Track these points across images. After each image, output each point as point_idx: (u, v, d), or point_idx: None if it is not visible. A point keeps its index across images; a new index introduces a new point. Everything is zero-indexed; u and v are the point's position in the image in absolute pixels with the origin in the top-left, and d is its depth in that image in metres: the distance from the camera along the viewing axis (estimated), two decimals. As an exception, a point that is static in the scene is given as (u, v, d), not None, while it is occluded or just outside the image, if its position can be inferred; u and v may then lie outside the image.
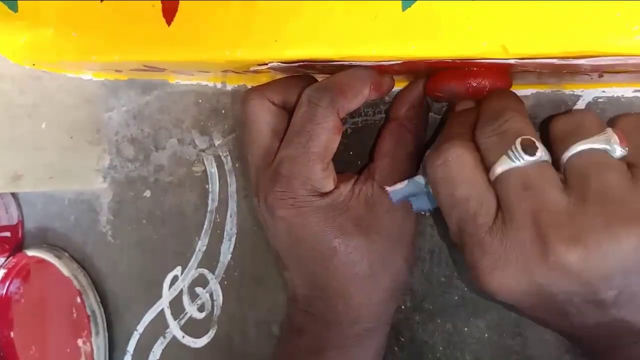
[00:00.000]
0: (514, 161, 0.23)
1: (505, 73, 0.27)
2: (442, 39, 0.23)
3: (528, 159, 0.23)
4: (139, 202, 0.43)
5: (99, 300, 0.46)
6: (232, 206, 0.39)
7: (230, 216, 0.39)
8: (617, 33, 0.20)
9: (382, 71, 0.29)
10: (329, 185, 0.28)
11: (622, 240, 0.21)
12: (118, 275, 0.45)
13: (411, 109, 0.30)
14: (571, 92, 0.28)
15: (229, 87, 0.38)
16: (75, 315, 0.47)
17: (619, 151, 0.23)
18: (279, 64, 0.29)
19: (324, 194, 0.28)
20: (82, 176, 0.43)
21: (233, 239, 0.40)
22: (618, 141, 0.23)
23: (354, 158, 0.35)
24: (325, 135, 0.27)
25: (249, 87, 0.38)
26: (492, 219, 0.23)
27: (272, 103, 0.30)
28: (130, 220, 0.44)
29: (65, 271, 0.47)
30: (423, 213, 0.33)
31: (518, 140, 0.23)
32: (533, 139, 0.23)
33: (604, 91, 0.27)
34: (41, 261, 0.48)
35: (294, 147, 0.27)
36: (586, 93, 0.28)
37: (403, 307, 0.34)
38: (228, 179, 0.39)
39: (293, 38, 0.27)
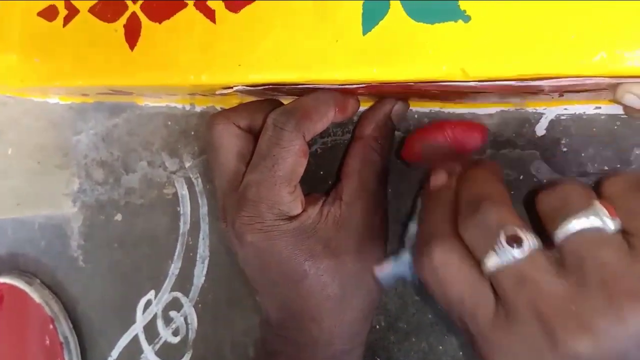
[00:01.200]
0: (500, 257, 0.22)
1: (478, 126, 0.28)
2: (403, 63, 0.23)
3: (515, 254, 0.21)
4: (110, 226, 0.42)
5: (71, 326, 0.45)
6: (204, 228, 0.39)
7: (203, 238, 0.39)
8: (572, 55, 0.20)
9: (348, 93, 0.29)
10: (297, 208, 0.28)
11: (628, 319, 0.19)
12: (91, 301, 0.44)
13: (377, 128, 0.30)
14: (534, 110, 0.28)
15: (198, 109, 0.38)
16: (48, 342, 0.46)
17: (610, 224, 0.21)
18: (245, 87, 0.29)
19: (291, 218, 0.28)
20: (50, 201, 0.43)
21: (206, 262, 0.39)
22: (607, 213, 0.21)
23: (325, 178, 0.35)
24: (291, 158, 0.27)
25: (218, 108, 0.37)
26: (492, 314, 0.22)
27: (238, 127, 0.29)
28: (102, 245, 0.43)
29: (36, 297, 0.46)
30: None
31: (502, 235, 0.22)
32: (517, 229, 0.22)
33: (566, 108, 0.28)
34: (13, 288, 0.47)
35: (260, 171, 0.27)
36: (549, 111, 0.28)
37: (378, 326, 0.34)
38: (199, 201, 0.39)
39: (256, 62, 0.26)
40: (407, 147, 0.30)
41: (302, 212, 0.28)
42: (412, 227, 0.29)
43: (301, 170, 0.28)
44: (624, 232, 0.22)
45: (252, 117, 0.30)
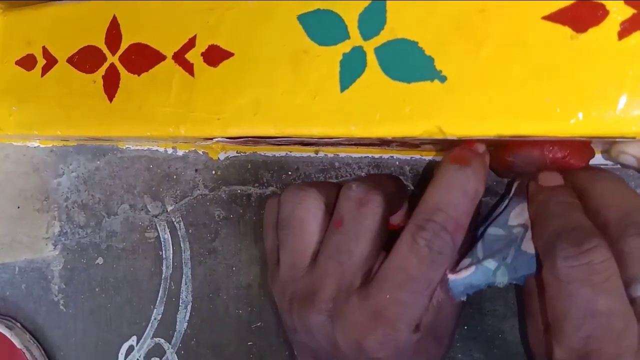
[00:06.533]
0: None
1: (587, 147, 0.25)
2: (380, 120, 0.23)
3: None
4: (92, 269, 0.42)
5: (52, 372, 0.44)
6: (187, 273, 0.38)
7: (185, 283, 0.38)
8: (549, 117, 0.21)
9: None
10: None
11: None
12: (72, 346, 0.43)
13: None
14: (514, 159, 0.28)
15: (180, 153, 0.38)
16: (28, 388, 0.45)
17: None
18: (225, 138, 0.29)
19: (418, 325, 0.25)
20: (30, 245, 0.42)
21: (189, 307, 0.38)
22: None
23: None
24: (440, 277, 0.24)
25: (200, 153, 0.37)
26: (637, 343, 0.20)
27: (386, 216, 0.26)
28: (83, 289, 0.42)
29: (17, 343, 0.45)
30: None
31: None
32: None
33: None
34: (-8, 332, 0.46)
35: (408, 292, 0.24)
36: (529, 160, 0.28)
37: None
38: (182, 245, 0.39)
39: (235, 116, 0.26)
40: (494, 159, 0.26)
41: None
42: (494, 231, 0.26)
43: None
44: None
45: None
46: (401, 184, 0.28)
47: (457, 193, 0.23)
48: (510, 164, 0.25)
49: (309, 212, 0.26)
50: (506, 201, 0.26)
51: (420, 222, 0.23)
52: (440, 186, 0.24)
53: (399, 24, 0.23)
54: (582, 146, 0.25)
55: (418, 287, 0.24)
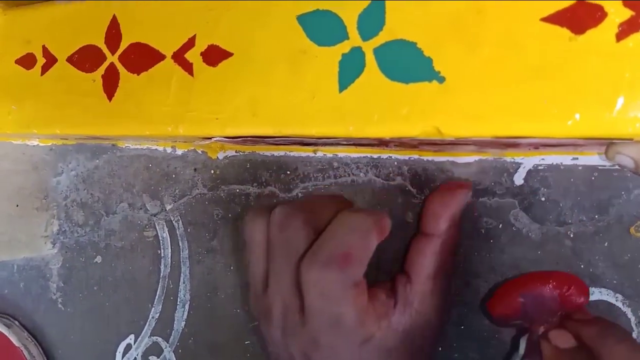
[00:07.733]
0: None
1: (583, 284, 0.26)
2: (378, 121, 0.23)
3: None
4: (90, 268, 0.42)
5: (50, 370, 0.44)
6: (185, 272, 0.38)
7: (184, 282, 0.38)
8: (546, 119, 0.21)
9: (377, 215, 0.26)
10: (371, 332, 0.26)
11: None
12: (70, 345, 0.43)
13: (453, 225, 0.27)
14: (512, 160, 0.28)
15: (179, 152, 0.38)
16: (26, 386, 0.45)
17: None
18: (224, 138, 0.29)
19: (366, 341, 0.25)
20: (29, 244, 0.42)
21: (187, 306, 0.38)
22: None
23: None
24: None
25: (199, 152, 0.37)
26: None
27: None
28: (82, 287, 0.42)
29: (15, 341, 0.45)
30: None
31: None
32: None
33: (543, 159, 0.28)
34: (-9, 330, 0.46)
35: (336, 327, 0.25)
36: (526, 161, 0.28)
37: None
38: (180, 244, 0.39)
39: (233, 116, 0.26)
40: (500, 297, 0.27)
41: (376, 331, 0.26)
42: None
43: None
44: None
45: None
46: (338, 200, 0.28)
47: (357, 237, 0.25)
48: (519, 306, 0.26)
49: (262, 234, 0.27)
50: None
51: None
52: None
53: (398, 24, 0.23)
54: (582, 286, 0.26)
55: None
